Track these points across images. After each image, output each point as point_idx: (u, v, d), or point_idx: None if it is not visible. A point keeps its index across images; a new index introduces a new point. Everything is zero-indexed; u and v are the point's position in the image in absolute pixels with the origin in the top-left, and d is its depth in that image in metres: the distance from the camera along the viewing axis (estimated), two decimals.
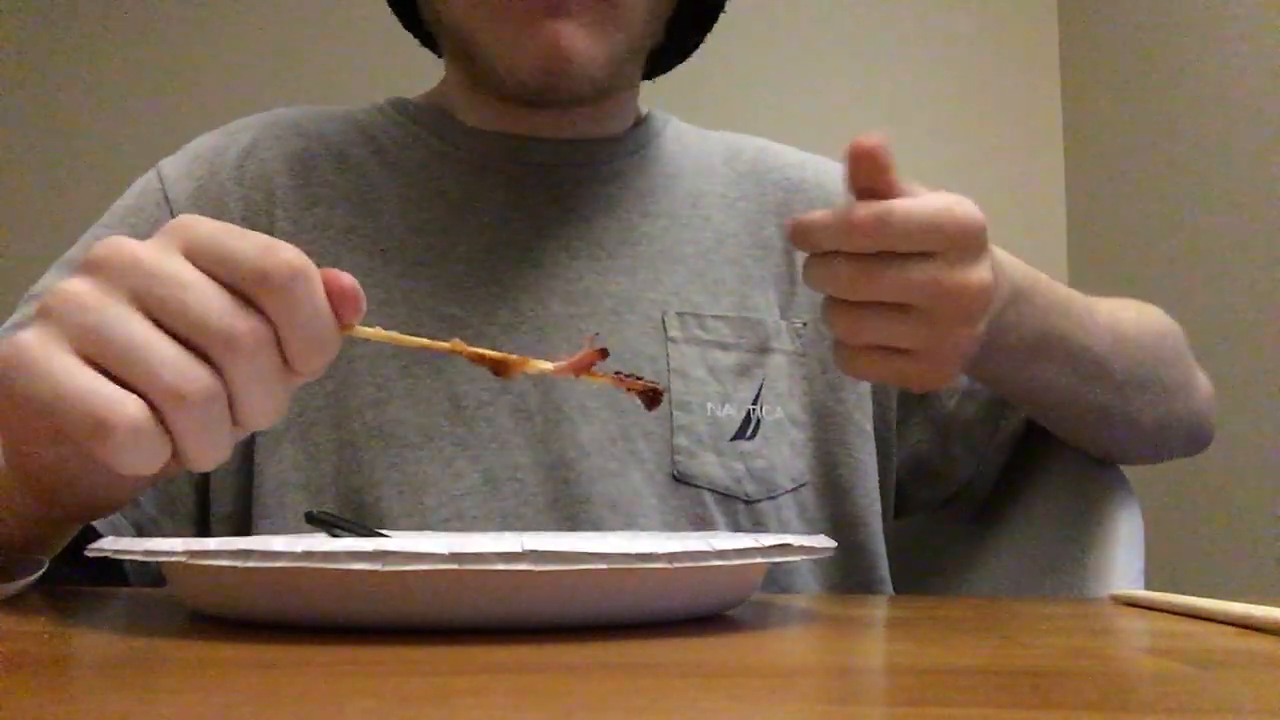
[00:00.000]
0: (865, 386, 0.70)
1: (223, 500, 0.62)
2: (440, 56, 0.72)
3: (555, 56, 0.59)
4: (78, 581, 0.55)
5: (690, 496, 0.62)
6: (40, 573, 0.43)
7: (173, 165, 0.67)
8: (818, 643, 0.36)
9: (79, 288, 0.35)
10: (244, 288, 0.35)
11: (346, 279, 0.37)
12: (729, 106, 1.93)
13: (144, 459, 0.34)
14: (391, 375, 0.61)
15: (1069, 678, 0.28)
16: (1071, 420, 0.67)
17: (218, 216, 0.63)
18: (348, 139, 0.68)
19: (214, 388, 0.35)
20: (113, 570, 0.59)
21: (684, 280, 0.67)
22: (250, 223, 0.64)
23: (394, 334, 0.40)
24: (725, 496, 0.63)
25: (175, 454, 0.36)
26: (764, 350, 0.67)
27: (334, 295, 0.37)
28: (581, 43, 0.59)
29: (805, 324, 0.69)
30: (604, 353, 0.42)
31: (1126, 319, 0.65)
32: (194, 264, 0.36)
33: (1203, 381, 0.71)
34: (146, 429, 0.34)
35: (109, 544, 0.37)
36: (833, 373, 0.68)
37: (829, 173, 0.75)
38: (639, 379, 0.43)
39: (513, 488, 0.60)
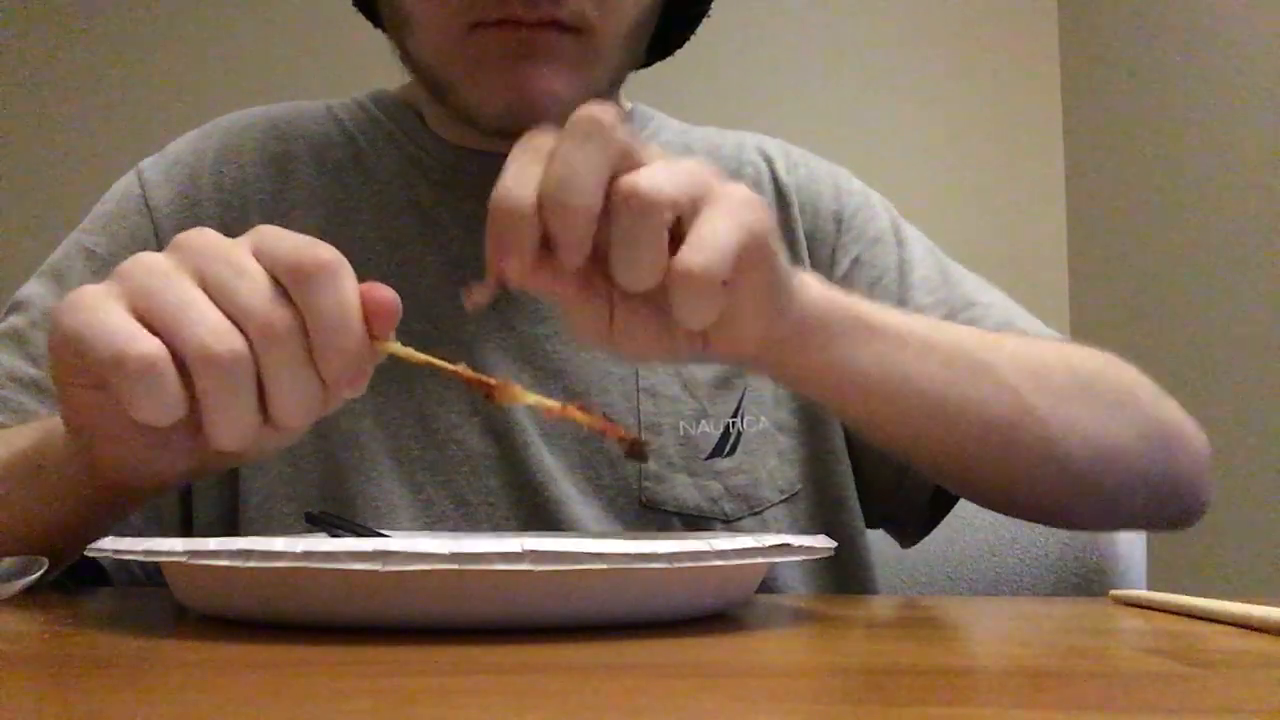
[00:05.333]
0: None
1: (205, 509, 0.62)
2: None
3: (527, 101, 0.56)
4: (69, 582, 0.55)
5: (658, 523, 0.61)
6: (40, 573, 0.43)
7: (153, 169, 0.67)
8: (817, 643, 0.36)
9: (154, 258, 0.38)
10: (283, 281, 0.38)
11: (386, 291, 0.39)
12: (723, 106, 1.93)
13: (158, 404, 0.36)
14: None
15: (1069, 678, 0.28)
16: (957, 436, 0.51)
17: (195, 223, 0.64)
18: (328, 139, 0.68)
19: (242, 354, 0.37)
20: (95, 571, 0.59)
21: None
22: (227, 230, 0.64)
23: (409, 350, 0.41)
24: (698, 519, 0.62)
25: (199, 429, 0.37)
26: None
27: (368, 304, 0.38)
28: (556, 85, 0.56)
29: None
30: (582, 407, 0.42)
31: (1017, 337, 0.55)
32: (259, 260, 0.38)
33: (1194, 438, 0.58)
34: (160, 368, 0.36)
35: (109, 544, 0.37)
36: None
37: (811, 173, 0.71)
38: (624, 427, 0.43)
39: (486, 512, 0.60)
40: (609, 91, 0.63)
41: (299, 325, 0.37)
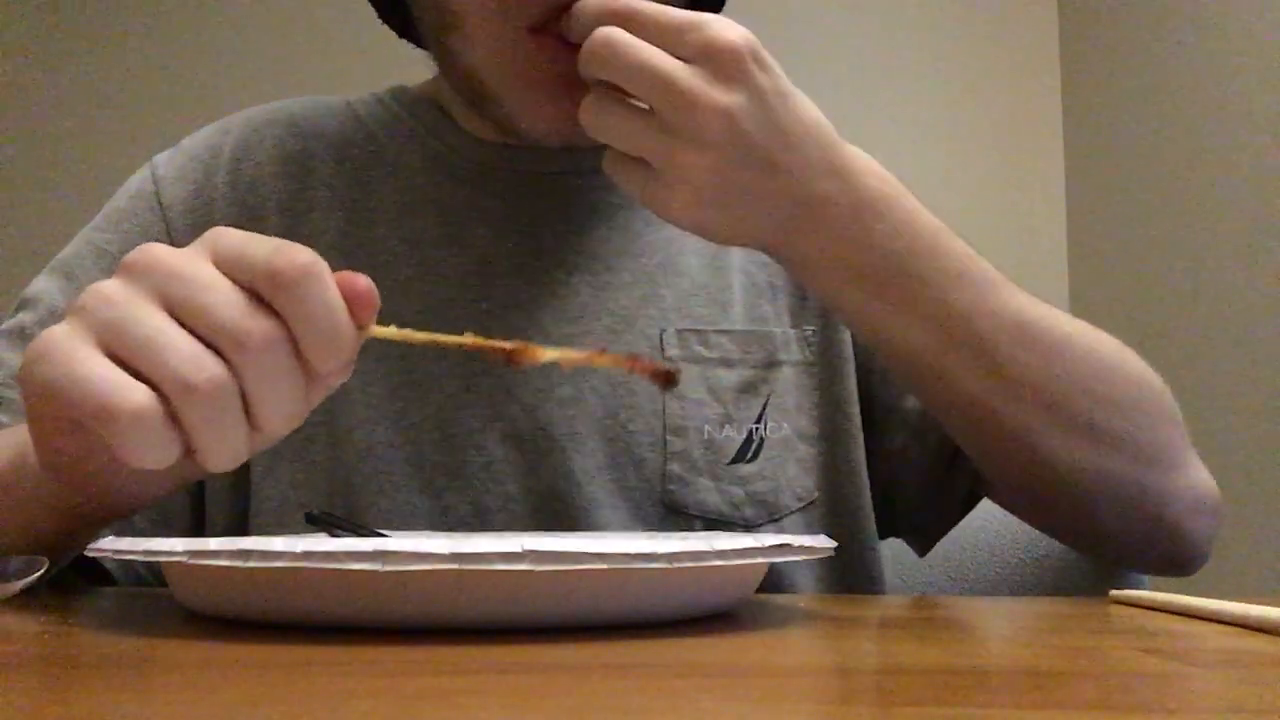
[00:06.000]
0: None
1: (217, 517, 0.62)
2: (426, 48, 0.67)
3: (572, 128, 0.54)
4: (69, 582, 0.55)
5: (681, 526, 0.61)
6: (41, 573, 0.43)
7: (167, 165, 0.66)
8: (818, 643, 0.36)
9: (109, 287, 0.37)
10: (258, 288, 0.36)
11: (362, 280, 0.38)
12: None
13: (153, 451, 0.35)
14: (381, 396, 0.60)
15: (1069, 678, 0.28)
16: (971, 430, 0.56)
17: (209, 222, 0.63)
18: (346, 136, 0.67)
19: (223, 380, 0.35)
20: (97, 571, 0.59)
21: (687, 293, 0.64)
22: (242, 229, 0.63)
23: (408, 331, 0.40)
24: (720, 524, 0.61)
25: (191, 452, 0.36)
26: (771, 364, 0.64)
27: (349, 296, 0.38)
28: None
29: (815, 331, 0.66)
30: (604, 351, 0.43)
31: (1066, 328, 0.55)
32: (219, 269, 0.37)
33: (1197, 477, 0.58)
34: (151, 418, 0.34)
35: (109, 544, 0.37)
36: (839, 386, 0.66)
37: None
38: (650, 360, 0.43)
39: (503, 518, 0.59)
40: None
41: (279, 331, 0.36)
